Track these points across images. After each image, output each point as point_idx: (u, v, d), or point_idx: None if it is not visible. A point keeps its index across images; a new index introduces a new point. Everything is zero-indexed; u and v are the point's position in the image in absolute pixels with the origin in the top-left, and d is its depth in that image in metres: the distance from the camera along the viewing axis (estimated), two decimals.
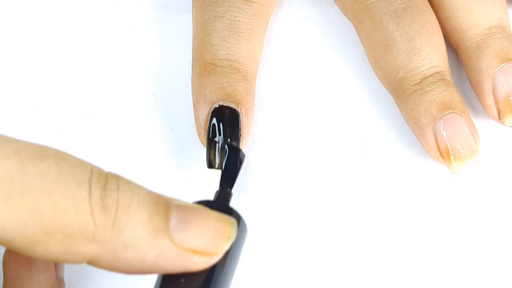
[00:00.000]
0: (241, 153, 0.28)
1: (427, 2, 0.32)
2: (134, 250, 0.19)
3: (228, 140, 0.29)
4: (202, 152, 0.31)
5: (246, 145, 0.31)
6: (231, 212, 0.24)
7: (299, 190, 0.31)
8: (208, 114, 0.30)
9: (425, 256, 0.29)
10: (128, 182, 0.20)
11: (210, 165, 0.29)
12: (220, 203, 0.25)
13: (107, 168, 0.31)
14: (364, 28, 0.32)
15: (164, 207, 0.20)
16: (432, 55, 0.30)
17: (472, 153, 0.29)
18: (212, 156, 0.29)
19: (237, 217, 0.23)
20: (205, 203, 0.24)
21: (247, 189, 0.31)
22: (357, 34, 0.33)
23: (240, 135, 0.30)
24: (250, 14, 0.31)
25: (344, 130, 0.32)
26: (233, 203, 0.29)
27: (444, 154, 0.29)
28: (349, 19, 0.34)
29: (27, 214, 0.18)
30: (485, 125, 0.32)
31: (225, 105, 0.29)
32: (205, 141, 0.30)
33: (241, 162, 0.28)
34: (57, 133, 0.32)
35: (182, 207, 0.20)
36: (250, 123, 0.30)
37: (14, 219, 0.18)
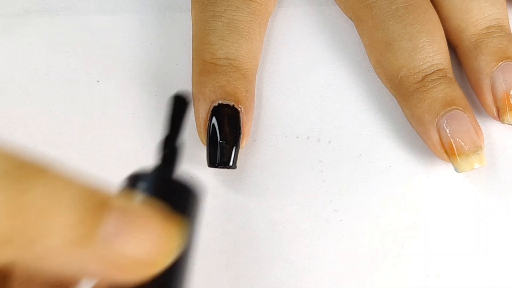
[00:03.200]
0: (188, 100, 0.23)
1: (429, 1, 0.32)
2: (59, 255, 0.17)
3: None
4: (202, 151, 0.30)
5: (246, 144, 0.30)
6: (182, 189, 0.21)
7: (300, 189, 0.30)
8: (207, 113, 0.29)
9: (426, 256, 0.29)
10: (54, 179, 0.17)
11: (211, 163, 0.29)
12: (168, 181, 0.21)
13: (108, 168, 0.31)
14: (366, 27, 0.32)
15: (98, 209, 0.17)
16: (433, 53, 0.30)
17: (476, 149, 0.29)
18: (212, 154, 0.29)
19: (189, 193, 0.21)
20: (149, 179, 0.20)
21: (247, 188, 0.31)
22: (358, 33, 0.33)
23: (240, 133, 0.29)
24: (249, 12, 0.31)
25: (345, 130, 0.32)
26: (233, 204, 0.29)
27: (448, 151, 0.29)
28: (350, 18, 0.33)
29: None
30: (485, 124, 0.31)
31: (225, 103, 0.29)
32: (205, 140, 0.29)
33: (186, 105, 0.23)
34: (57, 132, 0.31)
35: (120, 210, 0.18)
36: (250, 121, 0.30)
37: None
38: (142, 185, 0.20)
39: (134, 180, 0.21)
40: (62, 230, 0.17)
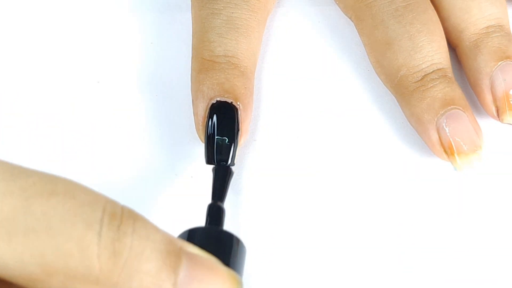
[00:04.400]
0: (231, 170, 0.28)
1: (428, 0, 0.32)
2: None
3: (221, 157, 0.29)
4: (202, 150, 0.30)
5: (245, 141, 0.30)
6: (230, 238, 0.24)
7: (300, 188, 0.30)
8: (206, 110, 0.29)
9: (427, 255, 0.29)
10: (145, 225, 0.19)
11: (208, 160, 0.29)
12: (218, 230, 0.25)
13: (108, 168, 0.31)
14: (365, 27, 0.32)
15: (175, 257, 0.19)
16: (433, 53, 0.30)
17: (475, 149, 0.29)
18: (210, 151, 0.29)
19: (236, 241, 0.24)
20: (202, 232, 0.24)
21: (247, 188, 0.30)
22: (357, 33, 0.33)
23: (238, 131, 0.29)
24: (248, 10, 0.31)
25: (345, 129, 0.31)
26: (234, 203, 0.29)
27: (448, 150, 0.29)
28: (349, 18, 0.33)
29: (29, 254, 0.18)
30: (485, 123, 0.31)
31: (223, 100, 0.29)
32: (203, 137, 0.29)
33: (230, 175, 0.28)
34: (57, 133, 0.31)
35: (193, 259, 0.19)
36: (249, 119, 0.30)
37: (15, 258, 0.17)
38: (197, 239, 0.23)
39: (188, 235, 0.24)
40: (145, 275, 0.18)
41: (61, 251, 0.18)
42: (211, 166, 0.29)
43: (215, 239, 0.24)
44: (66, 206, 0.18)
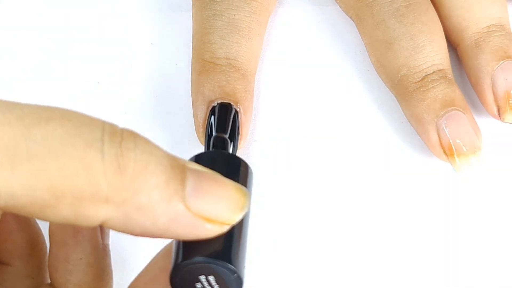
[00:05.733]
0: (232, 106, 0.29)
1: (429, 0, 0.32)
2: (148, 213, 0.18)
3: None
4: (202, 151, 0.31)
5: (244, 144, 0.30)
6: (238, 160, 0.24)
7: (300, 189, 0.30)
8: (206, 113, 0.29)
9: (427, 255, 0.29)
10: (146, 142, 0.19)
11: None
12: (224, 153, 0.25)
13: None
14: (366, 26, 0.32)
15: (180, 170, 0.19)
16: (434, 53, 0.30)
17: (475, 150, 0.29)
18: None
19: (244, 164, 0.23)
20: (208, 155, 0.24)
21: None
22: (358, 33, 0.33)
23: (238, 134, 0.29)
24: (249, 12, 0.31)
25: (345, 129, 0.31)
26: None
27: (447, 151, 0.29)
28: (350, 18, 0.33)
29: (35, 180, 0.17)
30: (485, 123, 0.31)
31: (223, 103, 0.29)
32: (203, 140, 0.29)
33: (233, 111, 0.28)
34: None
35: (197, 172, 0.19)
36: (249, 122, 0.30)
37: (22, 186, 0.17)
38: (204, 161, 0.23)
39: (194, 160, 0.23)
40: (152, 189, 0.18)
41: (66, 171, 0.18)
42: None
43: (221, 161, 0.24)
44: (64, 128, 0.18)
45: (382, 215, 0.30)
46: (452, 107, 0.29)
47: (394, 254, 0.29)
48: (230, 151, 0.26)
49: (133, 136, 0.19)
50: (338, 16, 0.34)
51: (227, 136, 0.26)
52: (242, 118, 0.29)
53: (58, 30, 0.34)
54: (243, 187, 0.20)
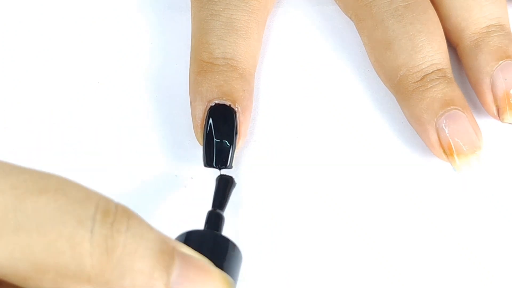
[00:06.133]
0: (233, 180, 0.28)
1: (428, 0, 0.31)
2: None
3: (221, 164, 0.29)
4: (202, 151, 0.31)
5: (243, 143, 0.30)
6: (226, 242, 0.24)
7: (300, 189, 0.30)
8: (204, 113, 0.29)
9: (427, 255, 0.29)
10: (139, 223, 0.19)
11: (207, 163, 0.29)
12: (214, 234, 0.25)
13: (108, 168, 0.31)
14: (365, 27, 0.32)
15: (169, 256, 0.19)
16: (433, 53, 0.30)
17: (474, 149, 0.29)
18: (208, 154, 0.29)
19: (232, 246, 0.24)
20: (199, 234, 0.24)
21: (246, 188, 0.30)
22: (357, 33, 0.33)
23: (237, 133, 0.29)
24: (247, 11, 0.31)
25: (345, 129, 0.31)
26: (233, 203, 0.29)
27: (447, 151, 0.29)
28: (350, 18, 0.33)
29: (19, 252, 0.17)
30: (485, 123, 0.31)
31: (221, 103, 0.29)
32: (201, 140, 0.29)
33: (232, 186, 0.28)
34: (57, 133, 0.31)
35: (185, 259, 0.19)
36: (248, 121, 0.30)
37: (5, 257, 0.17)
38: (194, 242, 0.23)
39: (185, 237, 0.24)
40: (137, 273, 0.18)
41: (52, 248, 0.17)
42: (213, 172, 0.29)
43: (211, 242, 0.24)
44: (57, 203, 0.18)
45: (382, 215, 0.30)
46: (452, 107, 0.29)
47: (394, 254, 0.29)
48: (223, 229, 0.27)
49: (127, 216, 0.19)
50: (338, 16, 0.34)
51: (223, 211, 0.27)
52: (240, 118, 0.29)
53: (58, 30, 0.34)
54: (228, 277, 0.20)
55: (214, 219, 0.26)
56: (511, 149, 0.31)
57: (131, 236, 0.18)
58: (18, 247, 0.17)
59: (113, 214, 0.18)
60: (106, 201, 0.19)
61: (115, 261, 0.18)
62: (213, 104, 0.29)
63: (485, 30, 0.31)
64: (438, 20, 0.31)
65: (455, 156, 0.29)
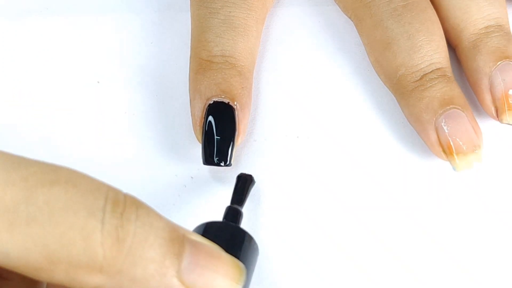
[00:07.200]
0: (252, 178, 0.29)
1: (428, 0, 0.32)
2: (141, 285, 0.18)
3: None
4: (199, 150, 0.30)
5: (242, 141, 0.30)
6: (243, 234, 0.24)
7: (300, 189, 0.30)
8: (203, 111, 0.29)
9: (427, 255, 0.29)
10: (148, 212, 0.19)
11: (206, 161, 0.29)
12: (232, 226, 0.25)
13: (108, 168, 0.31)
14: (364, 27, 0.32)
15: (179, 244, 0.19)
16: (432, 52, 0.30)
17: (474, 148, 0.29)
18: (207, 152, 0.29)
19: (249, 238, 0.24)
20: (217, 226, 0.24)
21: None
22: (357, 33, 0.33)
23: (236, 131, 0.29)
24: (246, 9, 0.31)
25: (345, 129, 0.31)
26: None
27: (446, 150, 0.29)
28: (349, 18, 0.33)
29: (31, 244, 0.17)
30: (485, 123, 0.31)
31: (220, 101, 0.29)
32: (200, 138, 0.29)
33: (252, 183, 0.29)
34: (57, 133, 0.31)
35: (196, 246, 0.19)
36: (247, 119, 0.30)
37: (18, 248, 0.17)
38: (211, 232, 0.24)
39: (203, 228, 0.24)
40: (148, 262, 0.18)
41: (64, 239, 0.18)
42: (213, 171, 0.29)
43: (228, 234, 0.24)
44: (68, 194, 0.18)
45: (382, 215, 0.30)
46: (451, 106, 0.29)
47: (394, 254, 0.29)
48: (241, 223, 0.27)
49: (135, 206, 0.19)
50: (337, 16, 0.34)
51: (242, 207, 0.27)
52: (239, 115, 0.29)
53: (58, 30, 0.34)
54: (239, 263, 0.20)
55: (233, 213, 0.27)
56: (511, 149, 0.31)
57: (141, 225, 0.18)
58: (30, 239, 0.17)
59: (122, 204, 0.18)
60: (115, 192, 0.19)
61: (126, 251, 0.18)
62: (212, 102, 0.29)
63: (483, 31, 0.31)
64: (438, 19, 0.31)
65: (454, 156, 0.29)
